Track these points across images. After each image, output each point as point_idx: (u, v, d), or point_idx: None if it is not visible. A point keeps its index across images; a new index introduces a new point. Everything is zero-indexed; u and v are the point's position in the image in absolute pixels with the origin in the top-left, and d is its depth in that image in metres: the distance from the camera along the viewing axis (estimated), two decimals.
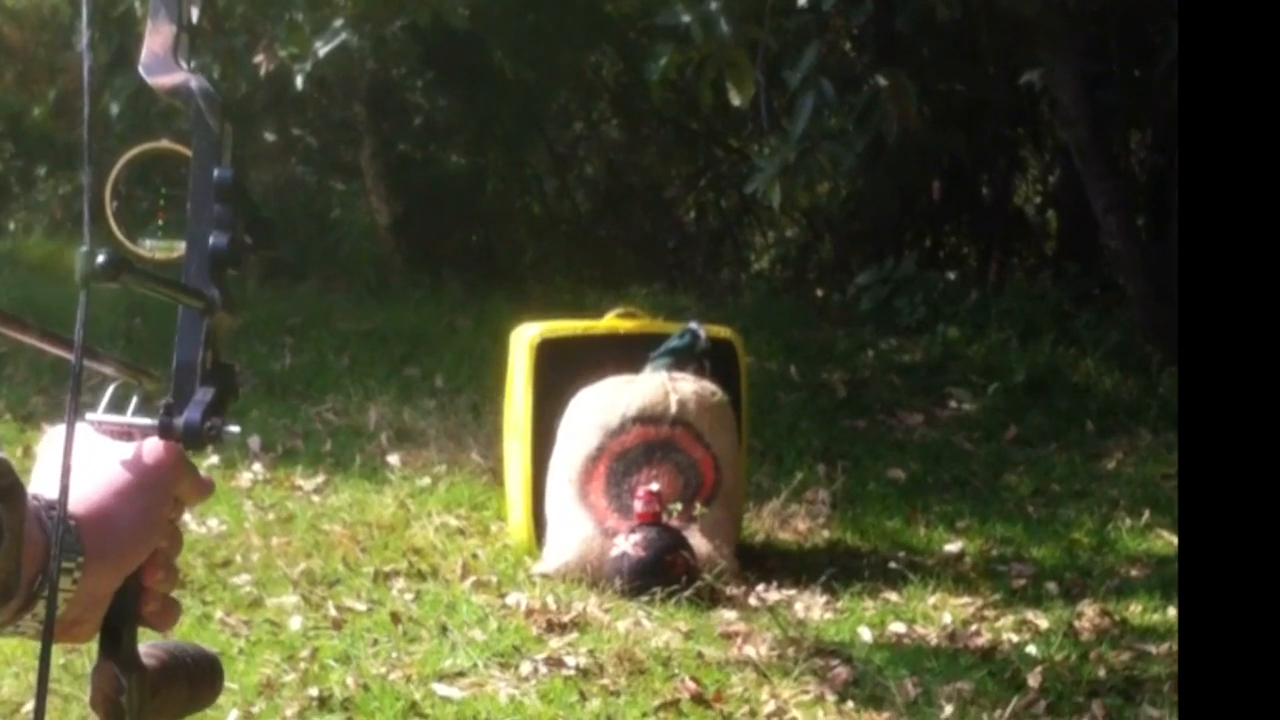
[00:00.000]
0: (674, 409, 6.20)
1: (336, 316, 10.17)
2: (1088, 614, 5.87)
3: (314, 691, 5.03)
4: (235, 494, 7.05)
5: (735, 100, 7.06)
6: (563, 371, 6.40)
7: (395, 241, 11.94)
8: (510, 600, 5.84)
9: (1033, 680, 5.22)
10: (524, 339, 6.52)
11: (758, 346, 8.85)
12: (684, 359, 6.42)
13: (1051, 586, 6.24)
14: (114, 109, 12.01)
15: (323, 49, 7.35)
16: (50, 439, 1.39)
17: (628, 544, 5.97)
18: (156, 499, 1.38)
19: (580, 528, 6.13)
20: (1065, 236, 11.67)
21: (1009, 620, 5.87)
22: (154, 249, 1.50)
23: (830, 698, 5.12)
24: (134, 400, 1.44)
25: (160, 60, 1.51)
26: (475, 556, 6.36)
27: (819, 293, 11.84)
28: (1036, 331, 9.67)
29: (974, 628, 5.79)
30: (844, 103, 7.27)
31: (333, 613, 5.65)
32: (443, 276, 11.58)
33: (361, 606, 5.74)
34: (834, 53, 7.91)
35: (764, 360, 9.11)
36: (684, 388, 6.26)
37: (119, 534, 1.34)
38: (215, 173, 1.47)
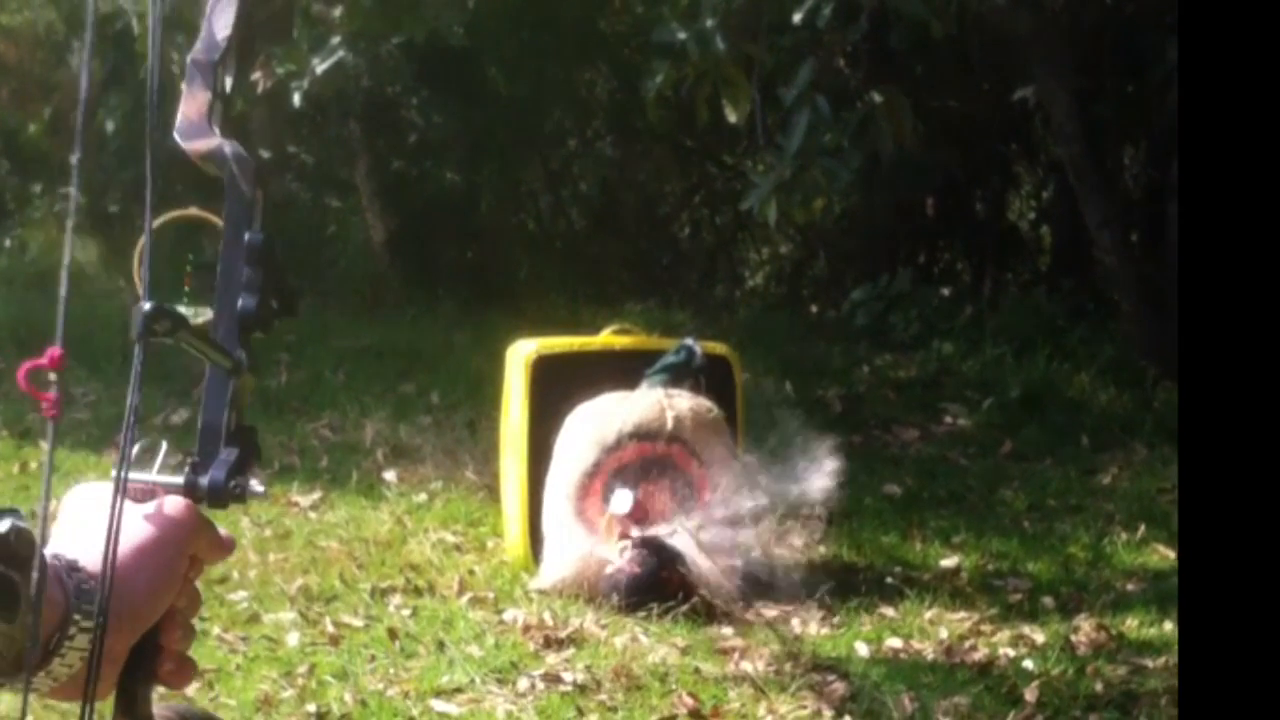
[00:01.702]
0: (670, 425, 6.21)
1: (332, 333, 10.18)
2: (1084, 628, 5.88)
3: (312, 708, 5.03)
4: (232, 510, 7.03)
5: (731, 117, 7.08)
6: (559, 388, 6.41)
7: (391, 258, 11.95)
8: (507, 616, 5.85)
9: (1029, 695, 5.23)
10: (520, 355, 6.53)
11: (753, 363, 8.85)
12: (680, 375, 6.43)
13: (1048, 601, 6.25)
14: (109, 126, 12.04)
15: (319, 66, 7.36)
16: (73, 497, 1.40)
17: (623, 560, 5.98)
18: (173, 557, 1.39)
19: (577, 544, 6.13)
20: (1059, 252, 11.69)
21: (1005, 635, 5.87)
22: (186, 316, 1.51)
23: (827, 713, 5.12)
24: (158, 459, 1.45)
25: (195, 126, 1.53)
26: (472, 572, 6.37)
27: (814, 309, 11.86)
28: (1031, 347, 9.69)
29: (970, 643, 5.80)
30: (839, 120, 7.28)
31: (330, 629, 5.65)
32: (438, 293, 11.59)
33: (359, 623, 5.75)
34: (828, 70, 7.90)
35: (759, 376, 9.12)
36: (680, 404, 6.27)
37: (135, 591, 1.35)
38: (246, 236, 1.49)
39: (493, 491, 7.02)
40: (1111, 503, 7.48)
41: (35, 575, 1.23)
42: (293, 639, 5.55)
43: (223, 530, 1.46)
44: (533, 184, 13.03)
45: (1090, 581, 6.52)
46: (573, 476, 6.21)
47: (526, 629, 5.70)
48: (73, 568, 1.27)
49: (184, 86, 1.56)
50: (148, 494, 1.42)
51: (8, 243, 13.99)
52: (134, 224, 12.98)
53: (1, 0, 13.50)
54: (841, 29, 8.30)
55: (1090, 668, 5.48)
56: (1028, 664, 5.53)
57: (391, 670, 5.32)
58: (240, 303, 1.48)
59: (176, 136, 1.55)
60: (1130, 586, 6.42)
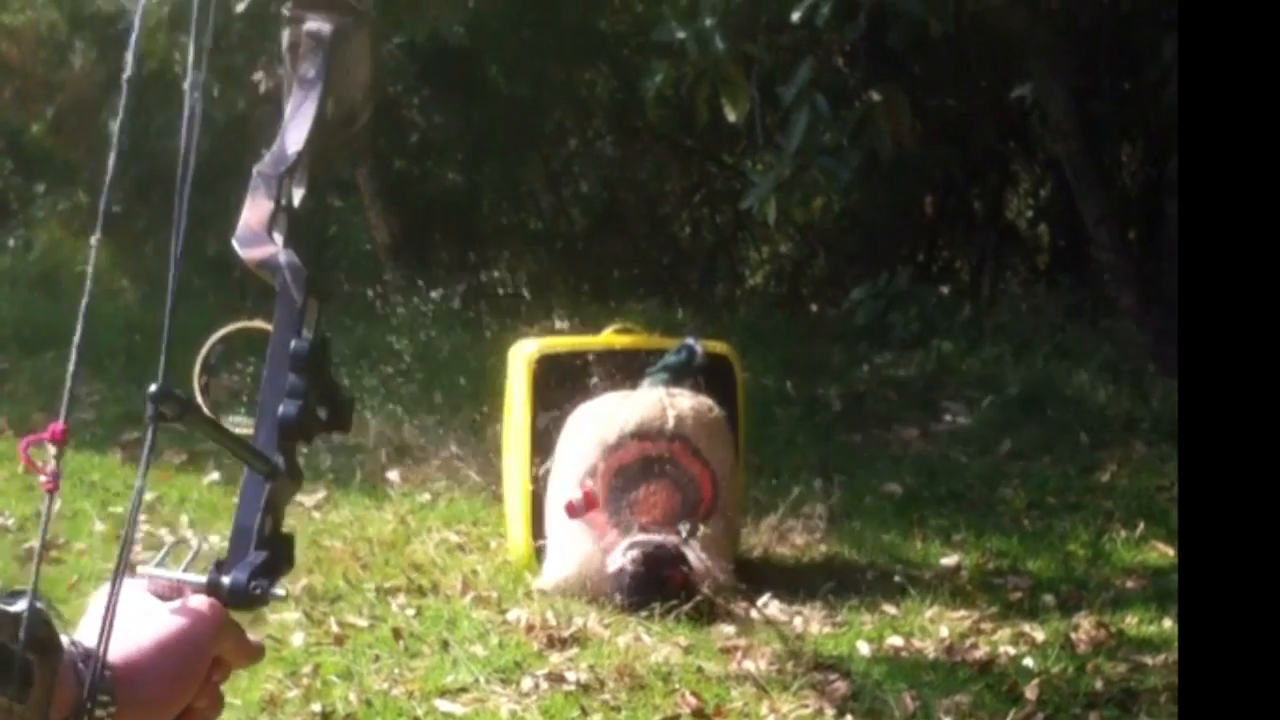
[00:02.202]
0: (671, 424, 6.23)
1: (335, 334, 10.16)
2: (1084, 626, 5.90)
3: (317, 707, 5.06)
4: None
5: (730, 117, 7.11)
6: (560, 387, 6.44)
7: (393, 258, 11.97)
8: (510, 616, 5.87)
9: (1030, 693, 5.25)
10: (522, 355, 6.56)
11: (753, 362, 8.88)
12: (681, 374, 6.46)
13: (1048, 599, 6.27)
14: (112, 126, 12.03)
15: None
16: (101, 594, 1.41)
17: (625, 559, 6.00)
18: (194, 655, 1.40)
19: (579, 543, 6.15)
20: (1057, 249, 11.72)
21: (1006, 633, 5.89)
22: (236, 426, 1.53)
23: (829, 712, 5.14)
24: (186, 558, 1.47)
25: (254, 235, 1.55)
26: (475, 572, 6.39)
27: (814, 308, 11.89)
28: (1030, 345, 9.71)
29: (971, 641, 5.82)
30: (838, 118, 7.30)
31: (334, 629, 5.68)
32: (440, 293, 11.61)
33: (363, 622, 5.77)
34: (827, 69, 7.91)
35: (760, 375, 9.14)
36: (681, 403, 6.29)
37: (151, 685, 1.35)
38: (293, 344, 1.51)
39: (496, 491, 7.04)
40: (1111, 500, 7.49)
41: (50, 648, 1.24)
42: (298, 639, 5.58)
43: (253, 635, 1.47)
44: (533, 184, 13.05)
45: (1090, 579, 6.54)
46: (575, 476, 6.23)
47: (530, 628, 5.73)
48: (87, 655, 1.28)
49: (248, 195, 1.58)
50: (175, 591, 1.43)
51: (11, 242, 14.02)
52: (136, 224, 13.02)
53: (4, 1, 13.53)
54: (840, 28, 8.33)
55: (1090, 665, 5.50)
56: (1028, 662, 5.56)
57: (396, 670, 5.34)
58: (281, 409, 1.50)
59: (235, 243, 1.58)
60: (1130, 584, 6.44)
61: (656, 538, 6.07)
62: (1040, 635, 5.84)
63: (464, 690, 5.22)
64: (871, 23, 8.53)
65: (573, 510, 6.06)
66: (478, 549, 6.73)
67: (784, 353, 9.92)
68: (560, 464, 6.30)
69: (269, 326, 1.56)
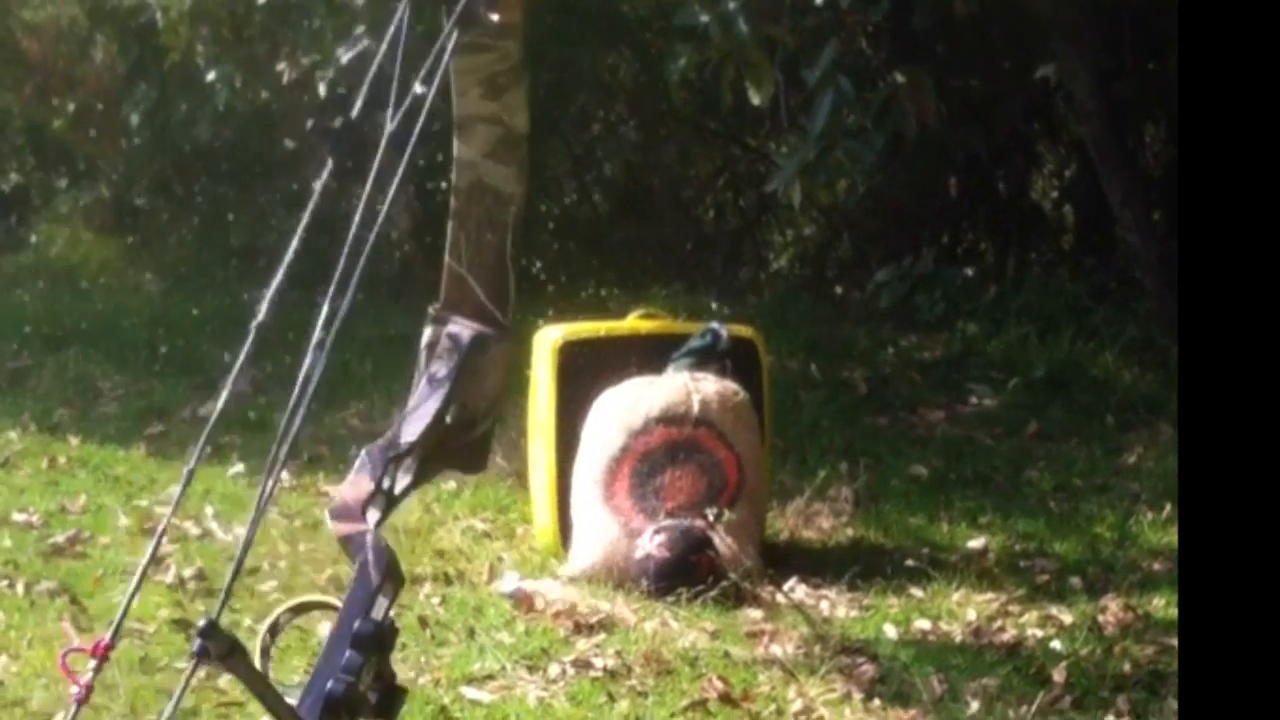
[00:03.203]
0: (696, 409, 6.23)
1: (358, 322, 10.15)
2: (1111, 608, 5.89)
3: None
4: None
5: (754, 100, 7.08)
6: (585, 373, 6.43)
7: (416, 246, 11.96)
8: (537, 603, 5.87)
9: (1058, 675, 5.24)
10: (546, 341, 6.56)
11: (778, 345, 8.86)
12: (706, 359, 6.45)
13: (1075, 581, 6.26)
14: (134, 119, 12.06)
15: (345, 56, 7.38)
16: None
17: (651, 545, 6.00)
18: None
19: (605, 529, 6.15)
20: (1082, 231, 11.66)
21: (1033, 616, 5.88)
22: (286, 691, 1.53)
23: (857, 696, 5.14)
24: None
25: (349, 511, 1.56)
26: (501, 559, 6.39)
27: (838, 290, 11.84)
28: (1055, 326, 9.68)
29: (998, 623, 5.81)
30: (862, 100, 7.29)
31: None
32: None
33: None
34: (851, 51, 7.92)
35: (785, 359, 9.12)
36: (706, 388, 6.29)
37: None
38: (359, 623, 1.51)
39: (521, 478, 7.04)
40: (1137, 482, 7.47)
41: None
42: (324, 629, 5.57)
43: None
44: (556, 169, 13.02)
45: (1117, 561, 6.53)
46: (600, 461, 6.24)
47: (556, 615, 5.72)
48: None
49: (352, 471, 1.59)
50: None
51: (33, 238, 14.04)
52: (159, 218, 13.04)
53: None
54: (864, 9, 8.32)
55: (1118, 648, 5.49)
56: (1055, 644, 5.54)
57: (422, 658, 5.34)
58: (331, 684, 1.49)
59: (328, 514, 1.59)
60: (1157, 566, 6.42)
61: (683, 523, 6.07)
62: (1068, 618, 5.83)
63: (490, 678, 5.23)
64: (895, 4, 8.52)
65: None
66: (504, 536, 6.74)
67: (809, 336, 9.90)
68: (585, 450, 6.30)
69: (339, 605, 1.55)
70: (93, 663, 1.30)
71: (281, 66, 8.01)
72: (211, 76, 7.38)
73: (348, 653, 1.48)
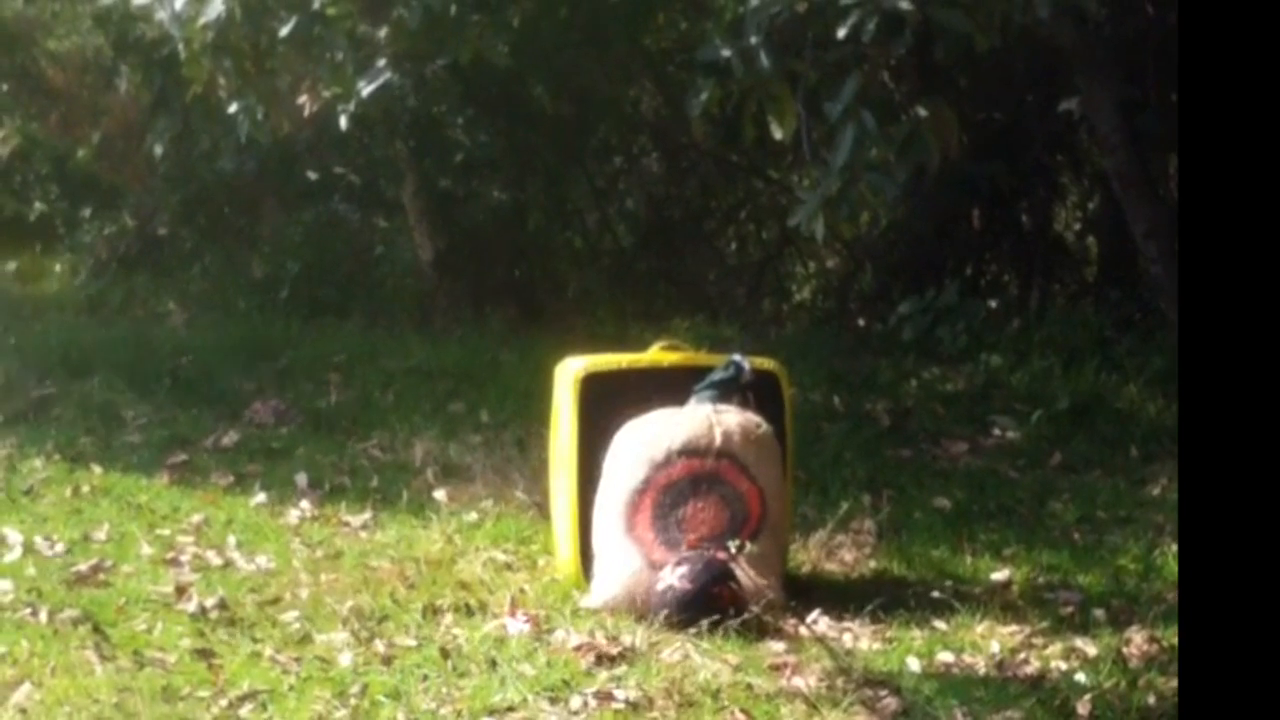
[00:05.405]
0: (719, 441, 6.23)
1: (381, 353, 10.21)
2: (1136, 640, 5.87)
3: None
4: (283, 531, 7.11)
5: (777, 134, 7.08)
6: (607, 405, 6.42)
7: (438, 277, 11.98)
8: (558, 634, 5.86)
9: (1082, 708, 5.23)
10: (568, 373, 6.55)
11: (801, 377, 8.86)
12: (728, 391, 6.45)
13: (1099, 613, 6.24)
14: (157, 150, 12.12)
15: (366, 89, 7.39)
16: None
17: (673, 577, 5.99)
18: None
19: (627, 561, 6.15)
20: (1106, 262, 11.65)
21: (1057, 648, 5.87)
22: None
23: None
24: None
25: None
26: (523, 591, 6.38)
27: (861, 323, 11.83)
28: (1079, 358, 9.67)
29: (1022, 656, 5.80)
30: (885, 133, 7.28)
31: (382, 649, 5.67)
32: (486, 311, 11.62)
33: (411, 642, 5.77)
34: (873, 84, 7.87)
35: (807, 391, 9.12)
36: (728, 420, 6.29)
37: None
38: None
39: (543, 509, 7.04)
40: (1161, 514, 7.46)
41: None
42: (345, 659, 5.57)
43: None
44: (579, 201, 13.04)
45: (1141, 593, 6.51)
46: (622, 494, 6.23)
47: (578, 647, 5.72)
48: None
49: None
50: None
51: (57, 267, 14.08)
52: (182, 247, 13.08)
53: (49, 26, 13.61)
54: (886, 43, 8.31)
55: (1142, 680, 5.47)
56: (1080, 677, 5.53)
57: (444, 689, 5.33)
58: None
59: None
60: None
61: (705, 555, 6.06)
62: (1092, 650, 5.81)
63: (512, 709, 5.22)
64: (918, 38, 8.52)
65: None
66: (525, 568, 6.73)
67: (831, 368, 9.90)
68: (607, 482, 6.29)
69: None
70: None
71: (302, 100, 8.01)
72: (234, 108, 7.37)
73: None
